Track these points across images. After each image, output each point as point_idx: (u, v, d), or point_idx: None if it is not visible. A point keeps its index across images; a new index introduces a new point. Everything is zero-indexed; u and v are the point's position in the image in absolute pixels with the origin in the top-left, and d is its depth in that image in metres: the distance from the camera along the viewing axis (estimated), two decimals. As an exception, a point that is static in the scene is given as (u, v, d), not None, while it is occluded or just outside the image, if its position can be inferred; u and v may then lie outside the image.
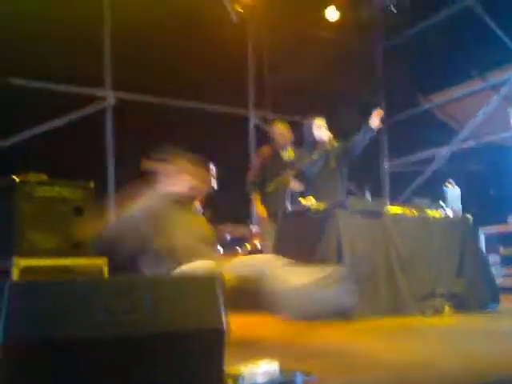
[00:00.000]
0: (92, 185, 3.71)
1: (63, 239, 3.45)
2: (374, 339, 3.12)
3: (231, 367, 1.75)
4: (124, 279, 1.72)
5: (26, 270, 3.19)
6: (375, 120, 4.58)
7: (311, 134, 4.81)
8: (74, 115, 6.41)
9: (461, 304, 4.39)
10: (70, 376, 1.54)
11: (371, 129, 4.61)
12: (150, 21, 6.28)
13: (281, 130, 5.17)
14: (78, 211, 3.57)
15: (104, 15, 6.68)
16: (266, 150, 5.31)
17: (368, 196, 4.97)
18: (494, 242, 6.50)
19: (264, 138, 7.76)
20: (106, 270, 3.37)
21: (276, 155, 5.15)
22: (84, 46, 6.14)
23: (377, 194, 7.44)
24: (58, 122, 6.34)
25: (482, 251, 5.03)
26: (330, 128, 4.85)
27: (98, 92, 6.76)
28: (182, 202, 3.03)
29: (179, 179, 3.03)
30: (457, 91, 8.06)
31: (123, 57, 6.46)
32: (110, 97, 6.80)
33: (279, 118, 6.96)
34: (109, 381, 1.59)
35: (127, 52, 6.36)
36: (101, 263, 3.39)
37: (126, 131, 6.45)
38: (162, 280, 1.83)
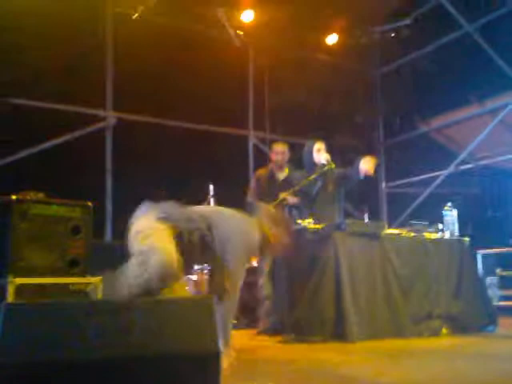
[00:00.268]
0: (90, 204, 3.70)
1: (59, 258, 3.43)
2: (371, 361, 3.09)
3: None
4: (118, 300, 1.71)
5: (21, 289, 3.17)
6: (365, 166, 4.57)
7: (311, 157, 4.85)
8: (74, 135, 6.44)
9: (458, 326, 4.38)
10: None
11: (358, 173, 4.60)
12: (154, 43, 6.35)
13: (279, 151, 5.20)
14: (76, 230, 3.56)
15: (107, 37, 6.76)
16: (261, 171, 5.34)
17: (366, 218, 4.99)
18: (491, 263, 6.49)
19: (262, 158, 7.82)
20: (101, 288, 3.35)
21: (272, 175, 5.17)
22: (86, 66, 6.21)
23: (375, 215, 7.45)
24: (57, 141, 6.36)
25: (478, 273, 5.03)
26: (328, 150, 4.89)
27: (99, 112, 6.80)
28: None
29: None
30: (455, 115, 8.13)
31: (125, 77, 6.51)
32: (110, 117, 6.84)
33: (277, 138, 7.02)
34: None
35: (129, 72, 6.41)
36: (96, 282, 3.36)
37: (125, 151, 6.47)
38: (156, 302, 1.81)
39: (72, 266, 3.47)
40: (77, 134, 6.47)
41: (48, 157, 6.15)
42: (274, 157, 5.23)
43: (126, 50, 6.39)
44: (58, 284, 3.28)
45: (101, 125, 6.76)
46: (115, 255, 5.52)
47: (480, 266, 6.32)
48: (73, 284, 3.33)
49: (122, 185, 6.38)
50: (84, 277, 3.45)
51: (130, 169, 6.20)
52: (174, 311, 1.75)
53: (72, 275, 3.41)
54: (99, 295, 3.27)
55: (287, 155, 5.20)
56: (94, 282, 3.38)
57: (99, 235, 6.06)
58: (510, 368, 2.76)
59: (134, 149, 6.36)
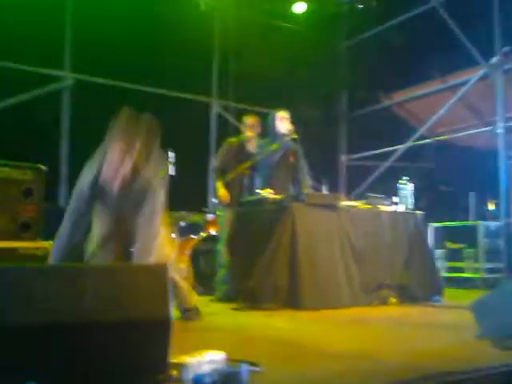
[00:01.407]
0: (43, 167, 3.60)
1: (10, 221, 3.35)
2: (320, 329, 3.17)
3: (176, 357, 1.74)
4: (69, 267, 1.68)
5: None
6: None
7: (274, 125, 4.83)
8: (29, 95, 6.20)
9: (407, 295, 4.54)
10: (12, 362, 1.51)
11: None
12: (115, 2, 6.12)
13: (250, 123, 5.15)
14: (28, 193, 3.46)
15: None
16: (233, 140, 5.28)
17: (325, 189, 5.04)
18: (440, 236, 6.72)
19: (225, 126, 7.75)
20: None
21: (242, 147, 5.12)
22: (44, 26, 5.94)
23: (334, 187, 7.55)
24: (12, 101, 6.13)
25: (429, 245, 5.20)
26: (292, 121, 4.88)
27: (57, 72, 6.57)
28: None
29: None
30: (417, 90, 8.24)
31: (84, 38, 6.28)
32: (68, 78, 6.62)
33: (241, 107, 6.96)
34: (52, 367, 1.56)
35: (88, 34, 6.18)
36: (48, 246, 3.30)
37: (82, 114, 6.29)
38: (108, 268, 1.80)
39: (23, 229, 3.39)
40: (33, 94, 6.24)
41: (1, 118, 5.93)
42: (245, 129, 5.17)
43: (85, 11, 6.16)
44: (8, 248, 3.20)
45: (58, 85, 6.54)
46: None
47: (431, 238, 6.53)
48: (23, 248, 3.26)
49: (78, 148, 6.22)
50: (35, 241, 3.38)
51: (87, 132, 6.04)
52: (127, 278, 1.74)
53: (23, 239, 3.33)
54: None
55: (259, 128, 5.15)
56: (45, 247, 3.31)
57: (53, 199, 5.93)
58: (452, 336, 2.88)
59: (92, 112, 6.19)
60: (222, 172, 5.02)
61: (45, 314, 1.56)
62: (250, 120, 5.15)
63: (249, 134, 5.08)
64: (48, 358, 1.56)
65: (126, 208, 2.85)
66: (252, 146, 5.10)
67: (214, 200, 5.11)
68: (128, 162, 2.76)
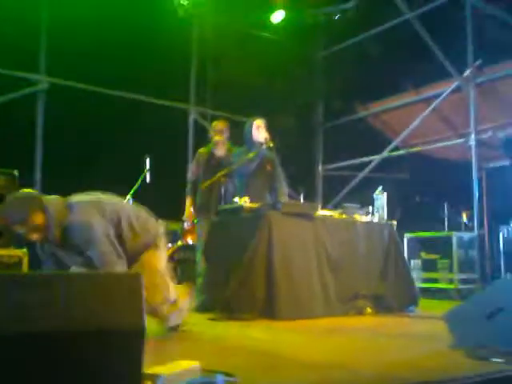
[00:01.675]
0: (16, 172, 3.52)
1: (-19, 228, 3.26)
2: (296, 339, 3.16)
3: (150, 368, 1.71)
4: (39, 273, 1.64)
5: None
6: None
7: (250, 133, 4.84)
8: (4, 98, 6.09)
9: (382, 306, 4.57)
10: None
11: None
12: (92, 7, 6.06)
13: (218, 129, 5.15)
14: (0, 200, 3.38)
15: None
16: (202, 150, 5.29)
17: (301, 198, 5.06)
18: (416, 247, 6.80)
19: (202, 133, 7.73)
20: (26, 261, 3.22)
21: (212, 154, 5.13)
22: (19, 29, 5.85)
23: (310, 196, 7.59)
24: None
25: (403, 256, 5.26)
26: (269, 130, 4.89)
27: (32, 76, 6.47)
28: None
29: None
30: (392, 102, 8.36)
31: (60, 42, 6.20)
32: (43, 81, 6.52)
33: (219, 115, 6.95)
34: (16, 379, 1.51)
35: (64, 38, 6.10)
36: (20, 254, 3.22)
37: (57, 119, 6.19)
38: (80, 276, 1.76)
39: (-5, 237, 3.31)
40: (7, 97, 6.13)
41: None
42: (213, 135, 5.17)
43: (61, 15, 6.08)
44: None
45: (33, 89, 6.44)
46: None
47: (406, 249, 6.61)
48: (-5, 256, 3.18)
49: (53, 154, 6.12)
50: (7, 249, 3.30)
51: (62, 137, 5.96)
52: (100, 286, 1.70)
53: (-6, 247, 3.25)
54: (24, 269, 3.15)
55: (227, 133, 5.17)
56: (18, 255, 3.24)
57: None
58: (427, 346, 2.91)
59: (67, 117, 6.10)
60: (194, 185, 5.05)
61: (16, 322, 1.52)
62: (218, 125, 5.18)
63: (217, 138, 5.08)
64: (20, 367, 1.51)
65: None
66: (221, 152, 5.09)
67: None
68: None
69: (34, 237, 2.65)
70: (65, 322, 1.57)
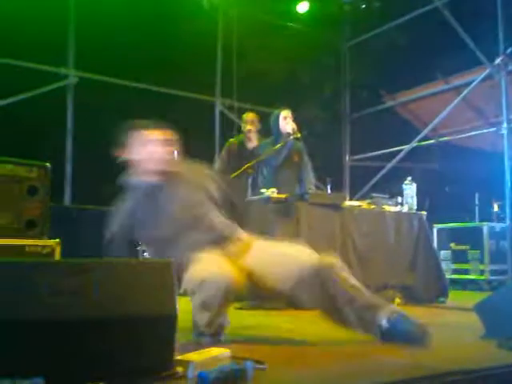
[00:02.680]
0: (48, 165, 3.60)
1: (15, 219, 3.34)
2: (324, 329, 3.16)
3: (182, 354, 1.74)
4: (73, 261, 1.68)
5: (-25, 250, 3.08)
6: None
7: (277, 125, 4.83)
8: (34, 93, 6.22)
9: (411, 296, 4.53)
10: (13, 358, 1.51)
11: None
12: (119, 1, 6.13)
13: (248, 120, 5.16)
14: (32, 191, 3.46)
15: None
16: (232, 141, 5.29)
17: (328, 189, 5.03)
18: (445, 238, 6.70)
19: (229, 125, 7.75)
20: (58, 251, 3.29)
21: (242, 145, 5.13)
22: (48, 22, 5.95)
23: (337, 187, 7.55)
24: (16, 99, 6.14)
25: (433, 247, 5.19)
26: (295, 120, 4.88)
27: (61, 70, 6.58)
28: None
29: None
30: (420, 91, 8.23)
31: (88, 36, 6.29)
32: (72, 76, 6.63)
33: (245, 106, 6.96)
34: (57, 364, 1.55)
35: (92, 32, 6.20)
36: (53, 244, 3.30)
37: (86, 112, 6.30)
38: (113, 263, 1.79)
39: (28, 227, 3.38)
40: (37, 92, 6.25)
41: (6, 115, 5.94)
42: (244, 126, 5.18)
43: (88, 9, 6.17)
44: (13, 245, 3.20)
45: (62, 83, 6.55)
46: (73, 219, 5.46)
47: (435, 239, 6.52)
48: (29, 246, 3.26)
49: (83, 147, 6.23)
50: (41, 239, 3.38)
51: (92, 131, 6.06)
52: (133, 274, 1.74)
53: (28, 237, 3.33)
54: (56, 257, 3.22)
55: (258, 124, 5.16)
56: (51, 245, 3.31)
57: (58, 198, 5.94)
58: (457, 336, 2.88)
59: (96, 110, 6.19)
60: (222, 175, 5.05)
61: (50, 309, 1.56)
62: (249, 115, 5.18)
63: (249, 127, 5.07)
64: (53, 354, 1.55)
65: None
66: (252, 143, 5.10)
67: None
68: None
69: None
70: (97, 308, 1.61)
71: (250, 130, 5.04)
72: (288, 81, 7.69)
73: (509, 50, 6.81)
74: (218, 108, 8.04)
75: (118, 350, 1.63)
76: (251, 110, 5.62)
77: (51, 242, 3.35)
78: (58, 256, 3.29)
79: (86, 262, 1.68)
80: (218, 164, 5.18)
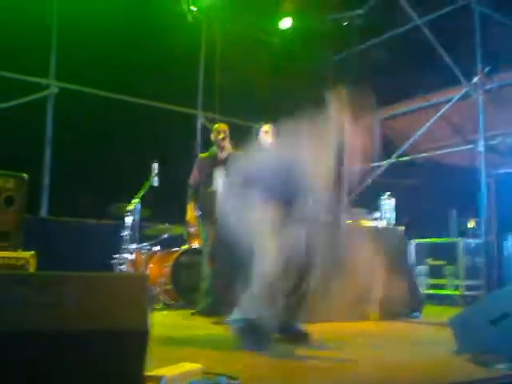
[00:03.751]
0: (25, 176, 3.56)
1: (-10, 230, 3.30)
2: (295, 344, 3.16)
3: (153, 369, 1.73)
4: (48, 274, 1.67)
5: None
6: None
7: (258, 139, 4.85)
8: (14, 103, 6.16)
9: (387, 311, 4.55)
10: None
11: None
12: (102, 13, 6.13)
13: (222, 128, 5.16)
14: (9, 202, 3.42)
15: (53, 5, 6.47)
16: (202, 155, 5.30)
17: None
18: (422, 253, 6.76)
19: (210, 138, 7.75)
20: (34, 263, 3.25)
21: (213, 157, 5.11)
22: (30, 33, 5.92)
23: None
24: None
25: (409, 262, 5.23)
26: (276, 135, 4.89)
27: (41, 80, 6.54)
28: None
29: None
30: (400, 108, 8.34)
31: (70, 47, 6.28)
32: (52, 86, 6.60)
33: (226, 120, 6.97)
34: (22, 377, 1.53)
35: (74, 43, 6.18)
36: (28, 257, 3.26)
37: (66, 123, 6.25)
38: (88, 277, 1.78)
39: (2, 239, 3.34)
40: (17, 102, 6.20)
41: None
42: (213, 137, 5.17)
43: (71, 20, 6.15)
44: (-14, 257, 3.15)
45: (43, 94, 6.51)
46: (49, 231, 5.38)
47: (413, 254, 6.58)
48: (3, 258, 3.21)
49: (61, 158, 6.17)
50: (15, 251, 3.33)
51: (70, 141, 6.01)
52: (106, 287, 1.72)
53: (2, 249, 3.28)
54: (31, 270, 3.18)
55: (227, 134, 5.15)
56: (25, 257, 3.27)
57: (34, 209, 5.86)
58: (431, 351, 2.90)
59: (76, 121, 6.15)
60: (195, 190, 5.03)
61: (25, 321, 1.54)
62: (221, 126, 5.17)
63: (222, 136, 5.04)
64: (22, 366, 1.53)
65: None
66: (226, 151, 5.05)
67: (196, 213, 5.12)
68: None
69: None
70: (69, 321, 1.59)
71: (224, 138, 5.04)
72: (271, 95, 7.74)
73: (486, 70, 6.96)
74: (200, 121, 8.06)
75: (88, 364, 1.61)
76: (233, 124, 5.62)
77: (26, 254, 3.31)
78: (32, 268, 3.24)
79: (60, 275, 1.67)
80: (190, 180, 5.17)
